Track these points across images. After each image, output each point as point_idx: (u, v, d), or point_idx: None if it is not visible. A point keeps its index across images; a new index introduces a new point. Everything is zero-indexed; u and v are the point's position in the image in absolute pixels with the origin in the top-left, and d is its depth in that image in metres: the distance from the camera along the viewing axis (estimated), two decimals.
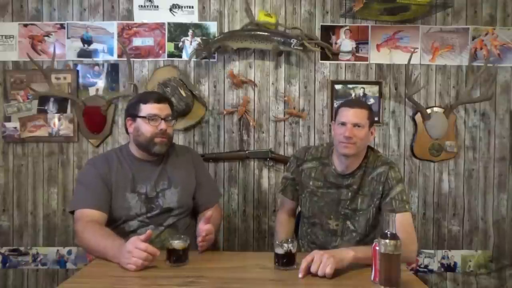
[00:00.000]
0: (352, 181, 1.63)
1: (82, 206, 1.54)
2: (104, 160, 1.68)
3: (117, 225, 1.62)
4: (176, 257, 1.36)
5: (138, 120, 1.62)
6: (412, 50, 2.37)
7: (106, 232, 1.45)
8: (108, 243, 1.38)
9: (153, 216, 1.64)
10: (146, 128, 1.61)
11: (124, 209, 1.61)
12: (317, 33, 2.38)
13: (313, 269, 1.25)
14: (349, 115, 1.56)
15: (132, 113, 1.65)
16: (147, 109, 1.62)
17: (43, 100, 2.36)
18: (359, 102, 1.74)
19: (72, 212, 1.58)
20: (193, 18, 2.37)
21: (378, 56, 2.40)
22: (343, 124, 1.57)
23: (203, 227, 1.48)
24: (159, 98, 1.66)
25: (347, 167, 1.63)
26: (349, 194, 1.64)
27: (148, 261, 1.29)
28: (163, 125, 1.62)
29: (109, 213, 1.60)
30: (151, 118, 1.60)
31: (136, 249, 1.27)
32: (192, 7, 2.37)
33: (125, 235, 1.60)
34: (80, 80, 2.37)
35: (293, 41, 2.23)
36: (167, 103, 1.68)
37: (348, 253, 1.31)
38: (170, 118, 1.67)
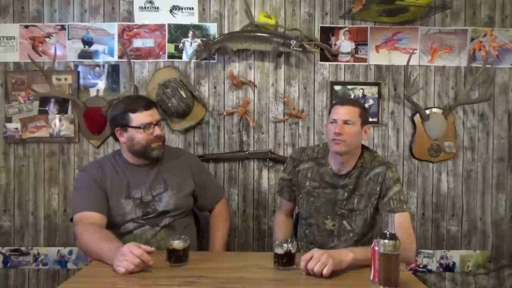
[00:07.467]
0: (348, 181, 1.64)
1: (81, 209, 1.54)
2: (97, 166, 1.68)
3: (114, 229, 1.62)
4: (176, 257, 1.37)
5: (130, 130, 1.61)
6: (411, 51, 2.37)
7: (106, 234, 1.45)
8: (106, 245, 1.37)
9: (149, 218, 1.64)
10: (141, 137, 1.60)
11: (120, 215, 1.62)
12: (317, 34, 2.38)
13: (310, 265, 1.25)
14: (339, 112, 1.59)
15: (121, 123, 1.62)
16: (138, 118, 1.60)
17: (44, 101, 2.37)
18: (351, 100, 1.74)
19: (72, 220, 1.58)
20: (193, 20, 2.38)
21: (377, 57, 2.41)
22: (334, 121, 1.59)
23: None
24: (147, 104, 1.64)
25: (342, 166, 1.64)
26: (345, 194, 1.64)
27: (139, 268, 1.27)
28: (158, 131, 1.63)
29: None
30: (145, 127, 1.60)
31: (130, 253, 1.27)
32: (192, 8, 2.38)
33: (121, 236, 1.61)
34: (81, 81, 2.38)
35: (293, 42, 2.24)
36: (154, 107, 1.67)
37: (347, 255, 1.31)
38: (160, 121, 1.67)
